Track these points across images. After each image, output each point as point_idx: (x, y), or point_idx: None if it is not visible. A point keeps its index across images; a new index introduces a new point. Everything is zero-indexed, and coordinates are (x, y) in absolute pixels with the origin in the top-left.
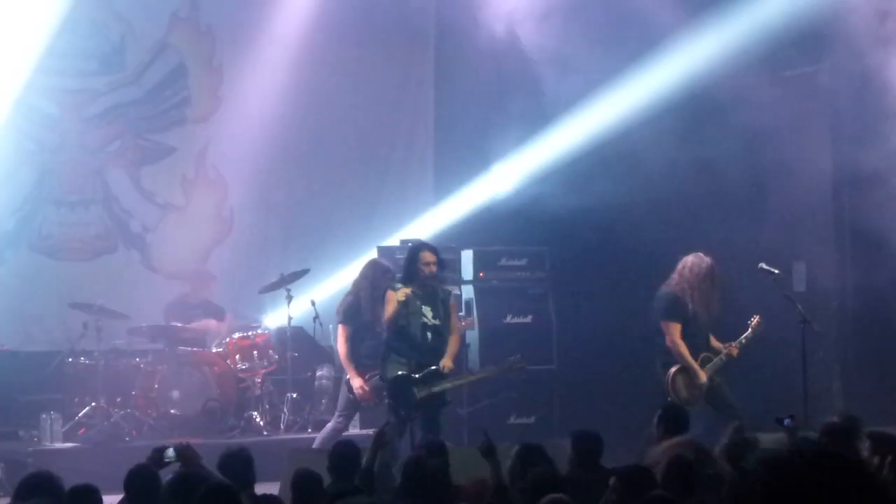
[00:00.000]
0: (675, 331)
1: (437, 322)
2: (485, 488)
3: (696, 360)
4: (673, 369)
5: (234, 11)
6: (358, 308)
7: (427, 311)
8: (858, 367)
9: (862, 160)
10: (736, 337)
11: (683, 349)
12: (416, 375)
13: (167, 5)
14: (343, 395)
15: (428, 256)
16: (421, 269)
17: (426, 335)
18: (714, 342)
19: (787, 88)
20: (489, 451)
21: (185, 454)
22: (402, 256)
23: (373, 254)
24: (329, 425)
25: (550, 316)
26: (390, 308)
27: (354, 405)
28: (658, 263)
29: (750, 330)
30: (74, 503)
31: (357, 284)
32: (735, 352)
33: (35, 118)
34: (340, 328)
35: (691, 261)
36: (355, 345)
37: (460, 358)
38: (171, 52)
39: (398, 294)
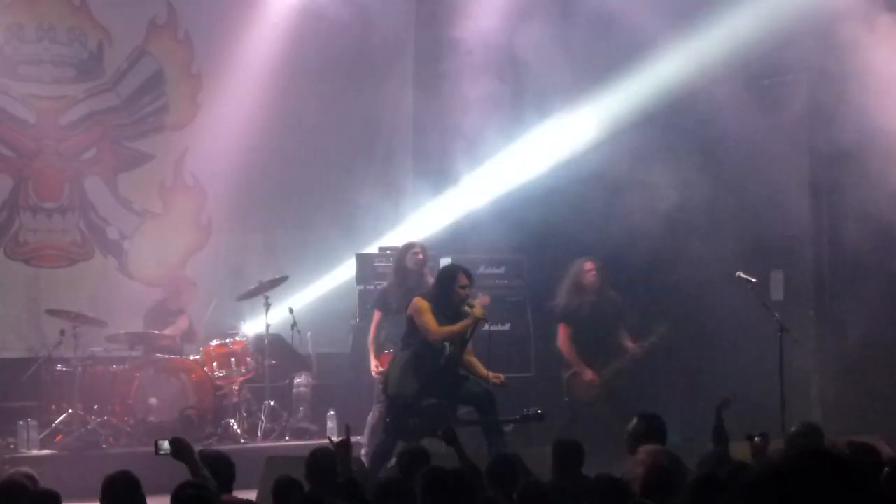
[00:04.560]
0: (561, 333)
1: (452, 349)
2: None
3: (601, 360)
4: (569, 371)
5: (212, 19)
6: (385, 293)
7: None
8: (836, 376)
9: (840, 169)
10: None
11: (570, 350)
12: (424, 403)
13: (145, 13)
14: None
15: (464, 280)
16: (457, 292)
17: (439, 361)
18: (627, 342)
19: (766, 97)
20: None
21: (180, 447)
22: (380, 264)
23: (352, 262)
24: (368, 418)
25: (528, 324)
26: (431, 318)
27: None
28: (633, 271)
29: (654, 336)
30: None
31: (392, 270)
32: (640, 351)
33: (12, 125)
34: (375, 313)
35: (574, 263)
36: (382, 330)
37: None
38: (148, 60)
39: (431, 307)
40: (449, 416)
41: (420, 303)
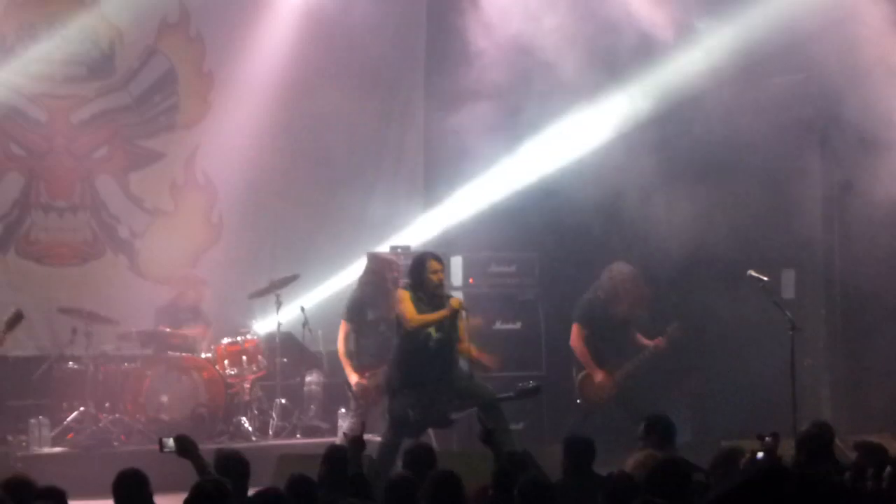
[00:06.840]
0: (578, 333)
1: (441, 334)
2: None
3: (613, 361)
4: (582, 373)
5: (224, 17)
6: (362, 304)
7: None
8: (847, 375)
9: (851, 168)
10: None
11: (583, 351)
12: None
13: (157, 11)
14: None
15: (435, 265)
16: (429, 277)
17: (430, 345)
18: (643, 341)
19: (777, 95)
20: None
21: (184, 444)
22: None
23: (363, 260)
24: (346, 426)
25: (539, 322)
26: (409, 306)
27: (361, 403)
28: (643, 271)
29: (666, 337)
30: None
31: (362, 280)
32: (662, 346)
33: (23, 123)
34: (342, 324)
35: (615, 268)
36: (359, 342)
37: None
38: (160, 58)
39: (410, 295)
40: (445, 401)
41: (401, 293)
